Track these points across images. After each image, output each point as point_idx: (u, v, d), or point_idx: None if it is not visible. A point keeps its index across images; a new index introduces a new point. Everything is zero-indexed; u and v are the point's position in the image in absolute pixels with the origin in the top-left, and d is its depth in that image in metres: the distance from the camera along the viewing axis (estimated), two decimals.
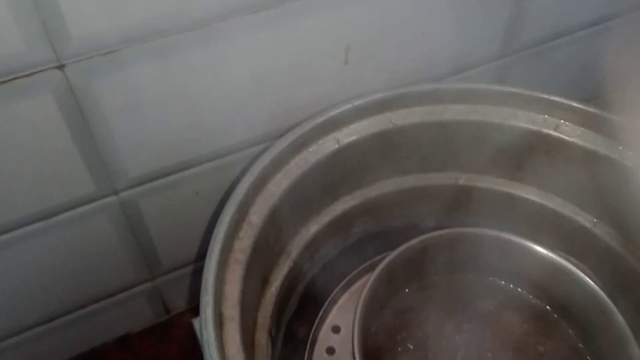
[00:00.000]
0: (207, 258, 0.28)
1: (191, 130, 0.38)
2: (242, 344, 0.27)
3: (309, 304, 0.41)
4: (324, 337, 0.39)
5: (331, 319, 0.40)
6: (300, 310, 0.40)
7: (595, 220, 0.38)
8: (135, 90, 0.34)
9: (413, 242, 0.33)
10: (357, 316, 0.29)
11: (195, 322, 0.46)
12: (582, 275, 0.32)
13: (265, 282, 0.35)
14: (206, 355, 0.25)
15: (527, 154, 0.38)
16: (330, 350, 0.38)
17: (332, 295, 0.40)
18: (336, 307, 0.40)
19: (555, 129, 0.37)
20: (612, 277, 0.37)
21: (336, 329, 0.39)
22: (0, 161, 0.34)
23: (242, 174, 0.34)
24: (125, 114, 0.35)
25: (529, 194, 0.40)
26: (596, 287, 0.32)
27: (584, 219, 0.39)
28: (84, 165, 0.37)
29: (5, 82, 0.30)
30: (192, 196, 0.43)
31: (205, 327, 0.25)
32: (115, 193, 0.40)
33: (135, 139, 0.37)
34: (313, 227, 0.38)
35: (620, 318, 0.30)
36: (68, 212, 0.39)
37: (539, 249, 0.33)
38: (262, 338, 0.33)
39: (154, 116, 0.36)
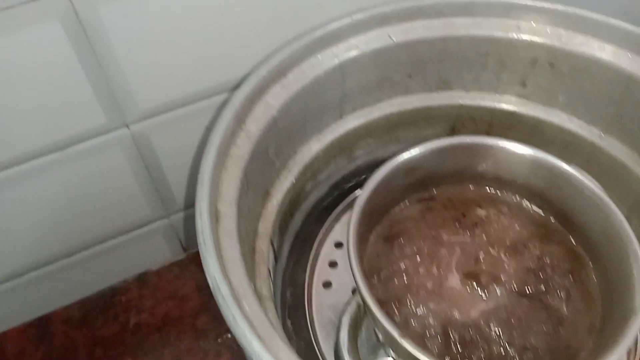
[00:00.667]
0: (203, 159, 0.29)
1: (199, 61, 0.39)
2: (237, 238, 0.28)
3: (313, 223, 0.42)
4: (327, 252, 0.40)
5: (334, 235, 0.41)
6: (305, 228, 0.42)
7: (601, 133, 0.38)
8: (141, 18, 0.35)
9: (413, 150, 0.33)
10: (353, 220, 0.30)
11: None
12: (584, 179, 0.31)
13: (266, 194, 0.36)
14: (201, 247, 0.26)
15: (531, 69, 0.38)
16: (333, 264, 0.40)
17: (335, 213, 0.41)
18: (339, 224, 0.41)
19: (559, 40, 0.36)
20: (617, 188, 0.36)
21: (339, 245, 0.40)
22: (15, 93, 0.35)
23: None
24: (133, 43, 0.36)
25: (534, 111, 0.40)
26: (599, 192, 0.31)
27: (590, 133, 0.38)
28: (94, 95, 0.38)
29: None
30: (202, 131, 0.43)
31: (200, 217, 0.26)
32: (127, 125, 0.41)
33: (143, 69, 0.38)
34: (315, 146, 0.39)
35: (625, 224, 0.30)
36: (82, 144, 0.40)
37: (540, 154, 0.33)
38: (262, 245, 0.34)
39: (162, 46, 0.37)
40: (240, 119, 0.31)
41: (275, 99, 0.33)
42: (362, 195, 0.32)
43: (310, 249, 0.40)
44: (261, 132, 0.32)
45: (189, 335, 0.50)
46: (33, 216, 0.43)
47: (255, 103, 0.33)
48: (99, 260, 0.51)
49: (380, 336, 0.32)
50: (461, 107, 0.41)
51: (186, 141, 0.46)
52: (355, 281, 0.29)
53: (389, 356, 0.35)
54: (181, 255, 0.56)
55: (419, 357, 0.26)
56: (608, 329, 0.29)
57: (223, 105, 0.33)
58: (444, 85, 0.40)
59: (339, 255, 0.40)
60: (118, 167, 0.44)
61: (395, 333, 0.27)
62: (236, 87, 0.39)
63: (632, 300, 0.28)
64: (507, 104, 0.40)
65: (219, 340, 0.51)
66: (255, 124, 0.32)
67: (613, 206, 0.30)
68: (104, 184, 0.45)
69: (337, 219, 0.41)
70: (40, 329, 0.51)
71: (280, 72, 0.34)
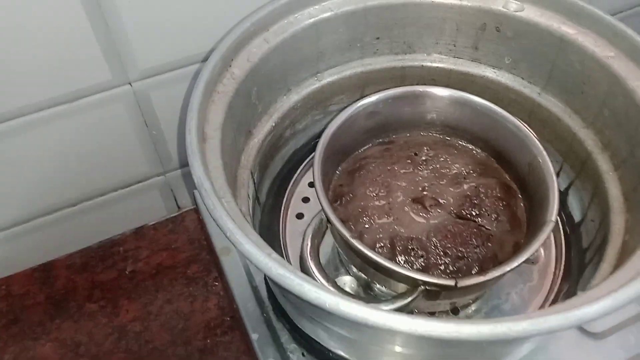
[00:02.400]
0: (193, 90, 0.35)
1: (197, 23, 0.43)
2: (221, 156, 0.34)
3: (291, 167, 0.48)
4: (301, 190, 0.46)
5: (308, 177, 0.47)
6: (283, 171, 0.47)
7: (540, 91, 0.44)
8: None
9: (372, 96, 0.39)
10: (319, 148, 0.36)
11: (196, 192, 0.53)
12: (515, 122, 0.37)
13: (249, 133, 0.41)
14: (189, 156, 0.32)
15: (481, 34, 0.44)
16: (306, 200, 0.46)
17: (309, 157, 0.47)
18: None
19: (503, 6, 0.42)
20: (552, 138, 0.42)
21: (312, 184, 0.46)
22: (27, 46, 0.39)
23: None
24: (136, 4, 0.40)
25: (484, 71, 0.45)
26: (527, 132, 0.37)
27: (531, 91, 0.44)
28: (101, 53, 0.42)
29: None
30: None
31: (189, 133, 0.32)
32: (129, 83, 0.46)
33: (145, 29, 0.42)
34: (293, 97, 0.45)
35: (544, 155, 0.36)
36: (88, 97, 0.45)
37: (481, 102, 0.39)
38: (244, 174, 0.39)
39: (161, 6, 0.41)
40: (226, 62, 0.37)
41: (258, 48, 0.39)
42: (327, 130, 0.38)
43: (287, 186, 0.46)
44: (245, 76, 0.38)
45: (180, 282, 0.55)
46: (40, 165, 0.48)
47: (240, 50, 0.38)
48: (99, 212, 0.56)
49: (338, 246, 0.38)
50: (423, 68, 0.46)
51: (183, 102, 0.51)
52: (318, 197, 0.35)
53: (348, 273, 0.41)
54: (175, 212, 0.61)
55: (366, 253, 0.32)
56: (529, 240, 0.35)
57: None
58: (408, 48, 0.46)
59: (311, 192, 0.46)
60: (120, 122, 0.49)
61: (347, 234, 0.33)
62: None
63: (546, 214, 0.34)
64: (462, 66, 0.46)
65: (208, 287, 0.56)
66: (239, 68, 0.38)
67: (536, 141, 0.36)
68: (107, 138, 0.49)
69: (311, 163, 0.47)
70: (44, 273, 0.56)
71: (262, 26, 0.39)
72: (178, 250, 0.58)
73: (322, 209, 0.35)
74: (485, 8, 0.42)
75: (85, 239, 0.57)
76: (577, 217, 0.43)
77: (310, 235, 0.35)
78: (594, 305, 0.25)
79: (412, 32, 0.45)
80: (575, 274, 0.41)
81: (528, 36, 0.42)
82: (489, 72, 0.45)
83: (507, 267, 0.31)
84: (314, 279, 0.33)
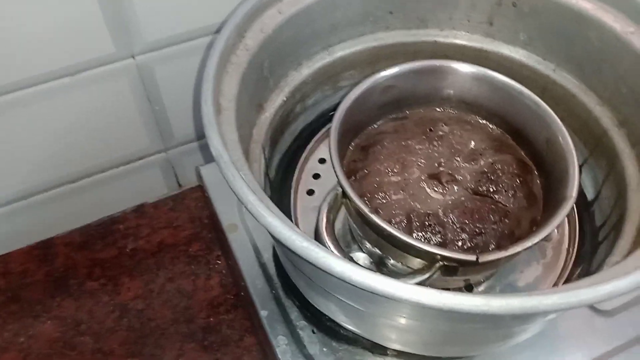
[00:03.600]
0: (208, 60, 0.34)
1: None
2: (236, 127, 0.33)
3: (301, 143, 0.47)
4: (312, 166, 0.45)
5: (318, 153, 0.46)
6: (293, 147, 0.47)
7: (555, 67, 0.43)
8: None
9: (389, 69, 0.38)
10: (335, 121, 0.35)
11: (202, 168, 0.52)
12: (532, 96, 0.37)
13: (260, 107, 0.40)
14: (206, 128, 0.31)
15: (497, 9, 0.43)
16: (316, 176, 0.45)
17: (320, 134, 0.46)
18: (323, 144, 0.46)
19: None
20: (567, 115, 0.42)
21: (322, 161, 0.46)
22: (26, 17, 0.38)
23: None
24: None
25: (499, 48, 0.45)
26: (545, 107, 0.37)
27: (546, 67, 0.43)
28: (105, 24, 0.41)
29: None
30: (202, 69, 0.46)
31: (205, 104, 0.31)
32: (133, 57, 0.45)
33: (150, 1, 0.41)
34: (305, 71, 0.44)
35: (564, 131, 0.36)
36: (92, 70, 0.44)
37: (498, 77, 0.38)
38: (256, 149, 0.39)
39: None
40: (240, 33, 0.36)
41: (271, 19, 0.38)
42: (344, 102, 0.37)
43: (297, 163, 0.45)
44: (258, 47, 0.37)
45: (182, 261, 0.54)
46: (40, 140, 0.47)
47: (253, 21, 0.37)
48: (100, 189, 0.55)
49: (352, 222, 0.37)
50: (436, 44, 0.46)
51: (187, 78, 0.50)
52: (335, 170, 0.34)
53: (361, 250, 0.40)
54: (176, 190, 0.60)
55: (384, 227, 0.32)
56: (546, 217, 0.34)
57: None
58: (421, 23, 0.45)
59: (322, 169, 0.45)
60: (123, 96, 0.48)
61: (366, 209, 0.32)
62: None
63: (566, 190, 0.33)
64: (476, 42, 0.45)
65: (210, 265, 0.55)
66: (253, 39, 0.37)
67: (555, 117, 0.36)
68: (109, 113, 0.48)
69: (321, 140, 0.46)
70: (44, 250, 0.54)
71: None
72: (179, 228, 0.58)
73: (339, 183, 0.34)
74: None
75: (85, 217, 0.57)
76: (590, 194, 0.43)
77: (325, 210, 0.35)
78: (625, 279, 0.24)
79: (426, 7, 0.44)
80: (589, 251, 0.41)
81: (545, 12, 0.41)
82: (504, 49, 0.45)
83: (529, 243, 0.31)
84: None
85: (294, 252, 0.26)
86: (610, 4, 0.38)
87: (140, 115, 0.51)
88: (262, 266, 0.45)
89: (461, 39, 0.45)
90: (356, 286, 0.25)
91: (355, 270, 0.25)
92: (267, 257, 0.45)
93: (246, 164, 0.31)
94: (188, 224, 0.58)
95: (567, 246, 0.42)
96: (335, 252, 0.33)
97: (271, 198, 0.44)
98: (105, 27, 0.42)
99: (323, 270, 0.25)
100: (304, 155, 0.45)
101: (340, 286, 0.31)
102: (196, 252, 0.55)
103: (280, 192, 0.45)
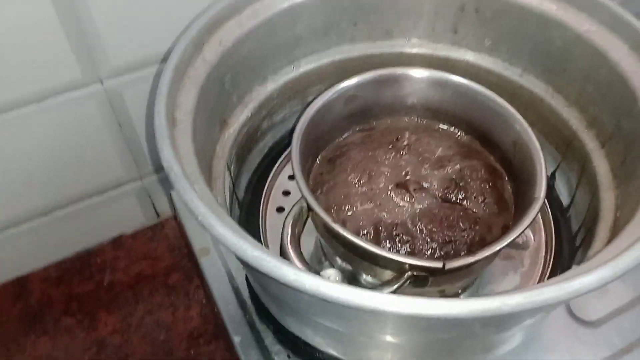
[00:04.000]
0: (162, 74, 0.33)
1: (172, 15, 0.41)
2: (192, 140, 0.32)
3: (270, 162, 0.46)
4: (282, 182, 0.44)
5: (288, 170, 0.45)
6: (262, 166, 0.46)
7: (521, 72, 0.43)
8: None
9: (350, 79, 0.38)
10: (297, 133, 0.34)
11: (174, 192, 0.51)
12: (497, 99, 0.36)
13: (224, 122, 0.40)
14: (157, 140, 0.30)
15: (460, 15, 0.43)
16: (286, 193, 0.44)
17: (288, 151, 0.45)
18: None
19: None
20: (536, 119, 0.41)
21: (292, 177, 0.45)
22: None
23: None
24: None
25: (464, 55, 0.44)
26: (510, 109, 0.36)
27: (512, 73, 0.43)
28: (69, 47, 0.40)
29: None
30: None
31: (157, 116, 0.30)
32: (101, 81, 0.44)
33: (116, 21, 0.40)
34: (270, 86, 0.43)
35: (529, 132, 0.35)
36: (59, 96, 0.43)
37: (461, 81, 0.37)
38: (219, 165, 0.38)
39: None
40: (197, 45, 0.36)
41: (231, 32, 0.38)
42: (305, 114, 0.36)
43: (266, 180, 0.44)
44: (217, 60, 0.37)
45: (160, 292, 0.53)
46: (6, 171, 0.45)
47: (212, 33, 0.37)
48: (75, 222, 0.53)
49: (320, 236, 0.36)
50: (402, 55, 0.45)
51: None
52: (297, 182, 0.33)
53: (332, 266, 0.39)
54: (155, 220, 0.59)
55: (348, 238, 0.31)
56: (517, 221, 0.33)
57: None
58: (386, 34, 0.45)
59: (292, 185, 0.44)
60: (92, 123, 0.47)
61: (329, 219, 0.31)
62: None
63: (534, 192, 0.32)
64: (442, 51, 0.45)
65: (189, 295, 0.54)
66: (212, 52, 0.36)
67: (520, 118, 0.35)
68: (78, 141, 0.47)
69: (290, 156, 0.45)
70: (18, 287, 0.53)
71: (235, 9, 0.38)
72: (158, 259, 0.57)
73: (302, 195, 0.33)
74: None
75: (61, 251, 0.55)
76: (565, 200, 0.42)
77: (290, 224, 0.33)
78: (590, 275, 0.23)
79: (390, 17, 0.44)
80: (567, 258, 0.40)
81: (507, 15, 0.41)
82: (469, 56, 0.44)
83: (497, 246, 0.30)
84: None
85: (249, 266, 0.25)
86: (570, 4, 0.38)
87: (112, 142, 0.50)
88: (235, 290, 0.44)
89: (427, 48, 0.45)
90: (312, 296, 0.23)
91: (310, 278, 0.24)
92: (241, 280, 0.44)
93: (202, 178, 0.30)
94: (167, 254, 0.57)
95: (544, 254, 0.41)
96: (300, 265, 0.32)
97: (241, 219, 0.43)
98: (70, 52, 0.41)
99: (280, 282, 0.24)
100: (272, 171, 0.44)
101: (310, 304, 0.30)
102: (175, 282, 0.54)
103: (250, 212, 0.44)
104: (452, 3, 0.42)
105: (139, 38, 0.43)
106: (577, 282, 0.23)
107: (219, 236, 0.25)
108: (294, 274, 0.24)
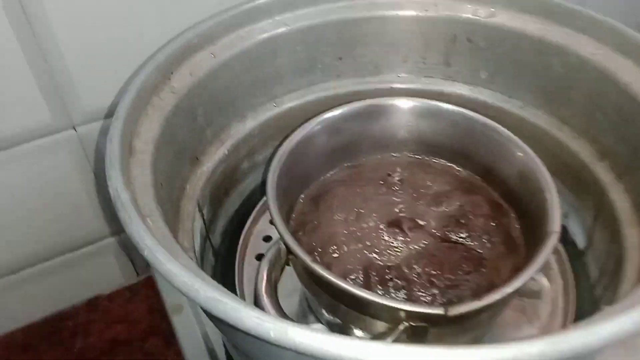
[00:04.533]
0: (121, 99, 0.29)
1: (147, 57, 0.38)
2: (152, 172, 0.28)
3: (252, 207, 0.42)
4: (262, 228, 0.40)
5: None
6: (242, 212, 0.41)
7: (521, 104, 0.39)
8: (84, 9, 0.35)
9: (333, 109, 0.34)
10: (273, 166, 0.30)
11: None
12: (498, 127, 0.33)
13: (195, 159, 0.36)
14: (107, 166, 0.26)
15: (452, 46, 0.40)
16: (267, 239, 0.39)
17: None
18: None
19: (473, 13, 0.38)
20: (541, 153, 0.37)
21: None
22: None
23: None
24: (74, 30, 0.36)
25: (459, 89, 0.41)
26: (512, 137, 0.32)
27: (512, 105, 0.40)
28: (38, 90, 0.38)
29: None
30: None
31: (110, 142, 0.27)
32: (73, 127, 0.42)
33: (89, 63, 0.38)
34: (249, 123, 0.40)
35: (536, 160, 0.31)
36: (27, 144, 0.40)
37: (456, 109, 0.34)
38: (189, 205, 0.34)
39: (107, 38, 0.37)
40: (164, 74, 0.32)
41: (203, 62, 0.35)
42: (283, 146, 0.32)
43: (244, 225, 0.40)
44: (187, 91, 0.33)
45: (136, 358, 0.49)
46: None
47: (182, 62, 0.34)
48: (45, 281, 0.50)
49: (302, 284, 0.31)
50: (392, 91, 0.42)
51: None
52: (272, 218, 0.29)
53: (318, 320, 0.34)
54: (134, 279, 0.55)
55: (331, 281, 0.26)
56: (530, 259, 0.28)
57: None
58: (374, 69, 0.42)
59: (273, 230, 0.39)
60: (65, 172, 0.44)
61: (307, 259, 0.26)
62: None
63: (547, 225, 0.28)
64: (435, 85, 0.42)
65: None
66: (180, 82, 0.33)
67: (525, 146, 0.31)
68: (49, 192, 0.44)
69: None
70: None
71: (208, 39, 0.35)
72: (135, 322, 0.52)
73: (278, 233, 0.28)
74: (454, 17, 0.39)
75: (29, 314, 0.51)
76: (581, 243, 0.37)
77: (265, 269, 0.29)
78: (629, 315, 0.18)
79: (377, 50, 0.41)
80: (589, 308, 0.34)
81: (503, 44, 0.38)
82: (465, 90, 0.41)
83: (511, 287, 0.25)
84: None
85: (205, 311, 0.20)
86: (570, 27, 0.35)
87: (86, 194, 0.46)
88: (211, 353, 0.39)
89: (418, 83, 0.42)
90: (278, 345, 0.18)
91: (276, 324, 0.19)
92: (217, 341, 0.39)
93: (158, 212, 0.26)
94: (145, 317, 0.52)
95: (562, 304, 0.36)
96: (274, 314, 0.26)
97: (215, 269, 0.38)
98: (39, 93, 0.38)
99: (238, 329, 0.19)
100: (252, 215, 0.40)
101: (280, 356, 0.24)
102: (153, 347, 0.50)
103: (227, 261, 0.39)
104: (443, 34, 0.40)
105: (114, 81, 0.40)
106: (614, 323, 0.18)
107: (166, 274, 0.21)
108: (256, 318, 0.19)
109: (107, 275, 0.53)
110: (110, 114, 0.41)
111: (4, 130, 0.39)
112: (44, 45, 0.36)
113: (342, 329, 0.32)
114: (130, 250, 0.53)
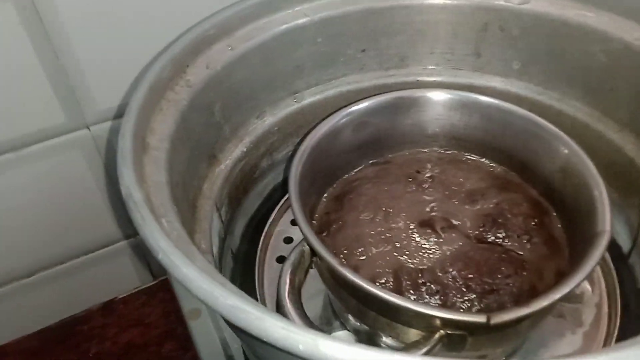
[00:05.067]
0: (133, 93, 0.28)
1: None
2: (166, 170, 0.26)
3: (272, 207, 0.40)
4: (283, 229, 0.38)
5: (289, 213, 0.38)
6: (262, 213, 0.39)
7: (558, 96, 0.37)
8: (98, 9, 0.34)
9: (359, 102, 0.32)
10: (295, 162, 0.28)
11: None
12: (537, 119, 0.30)
13: (213, 157, 0.34)
14: (119, 163, 0.24)
15: (483, 36, 0.38)
16: (288, 240, 0.38)
17: None
18: None
19: (505, 0, 0.36)
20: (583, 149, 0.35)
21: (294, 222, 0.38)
22: None
23: None
24: (86, 30, 0.35)
25: (490, 81, 0.39)
26: (553, 128, 0.30)
27: (549, 97, 0.37)
28: (52, 91, 0.37)
29: None
30: None
31: (122, 138, 0.25)
32: (87, 127, 0.40)
33: (103, 62, 0.37)
34: (268, 119, 0.38)
35: (581, 154, 0.29)
36: (40, 144, 0.39)
37: (490, 101, 0.32)
38: (206, 205, 0.32)
39: (120, 36, 0.36)
40: (179, 67, 0.31)
41: (220, 54, 0.33)
42: (305, 141, 0.30)
43: (264, 225, 0.38)
44: (203, 85, 0.32)
45: None
46: None
47: (197, 55, 0.32)
48: (60, 285, 0.49)
49: (327, 288, 0.29)
50: (418, 84, 0.40)
51: None
52: (296, 219, 0.27)
53: (344, 327, 0.32)
54: (150, 282, 0.54)
55: (359, 285, 0.24)
56: (576, 264, 0.26)
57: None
58: (400, 61, 0.40)
59: (294, 231, 0.38)
60: (79, 173, 0.43)
61: (334, 262, 0.24)
62: None
63: (596, 225, 0.26)
64: (464, 77, 0.40)
65: None
66: (196, 75, 0.32)
67: (567, 139, 0.29)
68: (64, 193, 0.43)
69: None
70: None
71: (224, 30, 0.33)
72: (151, 326, 0.51)
73: (302, 234, 0.26)
74: (485, 5, 0.36)
75: (44, 318, 0.50)
76: (626, 244, 0.35)
77: (288, 272, 0.27)
78: None
79: (403, 41, 0.39)
80: (636, 313, 0.32)
81: (538, 32, 0.36)
82: (496, 82, 0.39)
83: (558, 294, 0.23)
84: None
85: (227, 321, 0.18)
86: (613, 11, 0.33)
87: (100, 194, 0.45)
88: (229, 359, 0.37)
89: (446, 76, 0.40)
90: (302, 356, 0.16)
91: (305, 336, 0.17)
92: (236, 348, 0.37)
93: (174, 211, 0.24)
94: (161, 320, 0.52)
95: (607, 309, 0.33)
96: (300, 322, 0.24)
97: (234, 271, 0.36)
98: (52, 94, 0.37)
99: (264, 342, 0.17)
100: (272, 215, 0.38)
101: None
102: (169, 352, 0.49)
103: (247, 263, 0.37)
104: (473, 22, 0.37)
105: (128, 79, 0.39)
106: None
107: (183, 279, 0.19)
108: (283, 329, 0.17)
109: (122, 278, 0.52)
110: (124, 112, 0.40)
111: (17, 130, 0.38)
112: (56, 45, 0.35)
113: (370, 337, 0.30)
114: (145, 252, 0.52)
